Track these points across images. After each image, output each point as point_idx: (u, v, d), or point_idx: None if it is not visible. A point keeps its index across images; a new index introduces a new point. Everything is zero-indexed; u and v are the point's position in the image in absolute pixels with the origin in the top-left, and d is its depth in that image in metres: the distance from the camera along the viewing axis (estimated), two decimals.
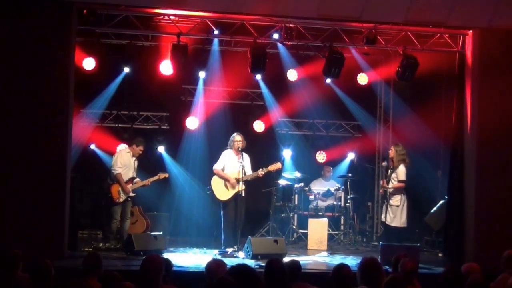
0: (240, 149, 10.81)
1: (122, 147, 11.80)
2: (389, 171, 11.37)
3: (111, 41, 12.01)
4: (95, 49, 11.51)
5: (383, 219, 11.46)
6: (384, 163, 11.76)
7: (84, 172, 11.55)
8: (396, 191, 11.21)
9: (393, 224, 11.20)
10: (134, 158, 11.06)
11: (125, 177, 10.94)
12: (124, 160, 10.97)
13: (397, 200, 11.21)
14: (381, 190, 11.81)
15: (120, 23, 10.80)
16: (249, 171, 10.81)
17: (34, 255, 6.03)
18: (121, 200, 10.90)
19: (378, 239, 12.60)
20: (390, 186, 11.19)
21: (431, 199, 12.64)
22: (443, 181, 12.40)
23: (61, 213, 9.59)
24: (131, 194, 11.00)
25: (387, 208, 11.27)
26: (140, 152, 11.07)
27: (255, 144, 12.38)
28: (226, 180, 10.78)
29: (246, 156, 10.92)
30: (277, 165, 11.05)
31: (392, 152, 11.35)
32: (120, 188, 10.88)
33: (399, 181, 11.15)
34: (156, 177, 11.28)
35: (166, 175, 11.50)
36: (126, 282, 5.55)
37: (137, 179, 11.09)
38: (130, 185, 10.98)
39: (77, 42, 10.33)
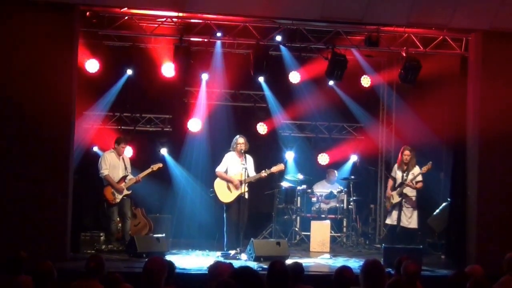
0: (243, 151, 10.79)
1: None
2: (403, 175, 11.40)
3: (113, 43, 12.03)
4: (98, 51, 11.54)
5: (394, 222, 11.44)
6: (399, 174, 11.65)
7: (86, 174, 11.53)
8: (414, 192, 11.36)
9: (411, 226, 11.37)
10: (121, 157, 11.07)
11: (116, 177, 10.95)
12: (108, 161, 10.97)
13: (414, 201, 11.37)
14: (387, 204, 11.73)
15: (122, 25, 10.83)
16: (252, 173, 10.80)
17: (37, 257, 6.04)
18: (117, 200, 10.91)
19: (381, 241, 12.58)
20: (417, 186, 11.30)
21: (434, 201, 12.62)
22: (445, 183, 12.40)
23: (63, 215, 9.59)
24: (126, 192, 11.00)
25: (400, 211, 11.29)
26: (123, 149, 11.07)
27: (258, 146, 12.36)
28: (229, 181, 10.76)
29: (249, 158, 10.90)
30: (280, 167, 11.01)
31: (409, 156, 11.37)
32: (113, 190, 10.90)
33: (418, 182, 11.32)
34: (149, 170, 11.27)
35: (160, 165, 11.46)
36: (126, 284, 5.56)
37: (131, 177, 11.11)
38: (123, 183, 10.98)
39: (80, 44, 10.34)
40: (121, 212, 11.03)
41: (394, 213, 11.43)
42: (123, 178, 11.01)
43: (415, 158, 11.40)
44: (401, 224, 11.32)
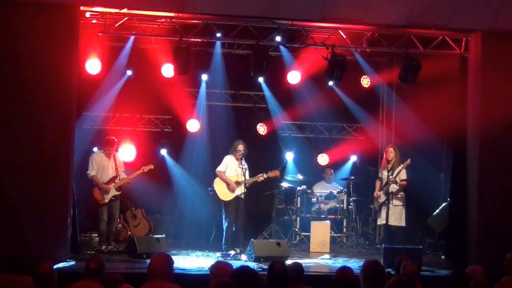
0: (242, 153, 10.81)
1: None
2: (388, 174, 11.41)
3: (113, 44, 12.02)
4: (97, 52, 11.53)
5: (383, 221, 11.45)
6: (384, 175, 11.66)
7: (86, 175, 11.53)
8: (400, 190, 11.35)
9: (400, 224, 11.34)
10: (111, 158, 11.08)
11: (105, 178, 10.97)
12: (97, 162, 11.00)
13: (401, 199, 11.37)
14: (376, 204, 11.72)
15: (122, 26, 10.83)
16: (247, 177, 10.80)
17: (37, 258, 6.03)
18: (106, 201, 10.92)
19: (381, 241, 12.57)
20: (398, 184, 11.26)
21: (434, 201, 12.62)
22: (445, 184, 12.39)
23: (64, 216, 9.59)
24: (115, 192, 11.01)
25: (388, 210, 11.30)
26: (109, 151, 11.06)
27: (258, 147, 12.37)
28: (227, 183, 10.78)
29: (245, 164, 10.92)
30: (276, 173, 11.16)
31: (393, 154, 11.42)
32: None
33: (402, 180, 11.32)
34: (139, 171, 11.30)
35: (151, 166, 11.44)
36: (126, 285, 5.56)
37: (123, 176, 11.12)
38: (113, 184, 10.99)
39: (80, 45, 10.33)
40: (109, 212, 11.03)
41: (383, 212, 11.45)
42: (113, 178, 11.02)
43: (400, 157, 11.43)
44: (389, 222, 11.32)
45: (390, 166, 11.47)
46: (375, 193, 11.73)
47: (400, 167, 11.31)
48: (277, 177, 11.43)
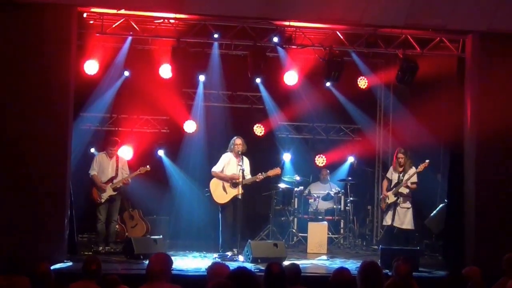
0: (240, 152, 10.77)
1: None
2: (399, 175, 11.38)
3: (111, 44, 12.00)
4: (95, 52, 11.51)
5: (387, 222, 11.41)
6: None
7: (84, 175, 11.51)
8: (410, 193, 11.33)
9: (405, 227, 11.28)
10: (113, 159, 11.10)
11: (104, 178, 11.01)
12: (98, 162, 11.08)
13: (408, 202, 11.33)
14: (382, 204, 11.68)
15: (120, 27, 10.82)
16: (248, 175, 10.78)
17: (34, 258, 6.02)
18: (102, 200, 10.94)
19: (378, 242, 12.59)
20: (410, 187, 11.24)
21: (431, 202, 12.63)
22: (443, 185, 12.40)
23: (61, 216, 9.57)
24: (112, 192, 11.01)
25: (395, 212, 11.27)
26: (111, 151, 11.11)
27: (255, 148, 12.36)
28: (225, 180, 10.72)
29: (246, 160, 10.88)
30: (277, 171, 10.96)
31: (402, 159, 11.37)
32: (97, 189, 10.95)
33: (413, 183, 11.28)
34: (136, 172, 11.29)
35: (147, 168, 11.40)
36: (123, 286, 5.56)
37: (124, 177, 11.13)
38: (110, 184, 10.99)
39: (77, 46, 10.32)
40: (107, 213, 11.06)
41: (389, 214, 11.41)
42: (111, 179, 11.04)
43: (411, 159, 11.41)
44: (395, 224, 11.30)
45: (401, 169, 11.43)
46: (382, 193, 11.68)
47: (413, 170, 11.25)
48: (278, 175, 11.36)
